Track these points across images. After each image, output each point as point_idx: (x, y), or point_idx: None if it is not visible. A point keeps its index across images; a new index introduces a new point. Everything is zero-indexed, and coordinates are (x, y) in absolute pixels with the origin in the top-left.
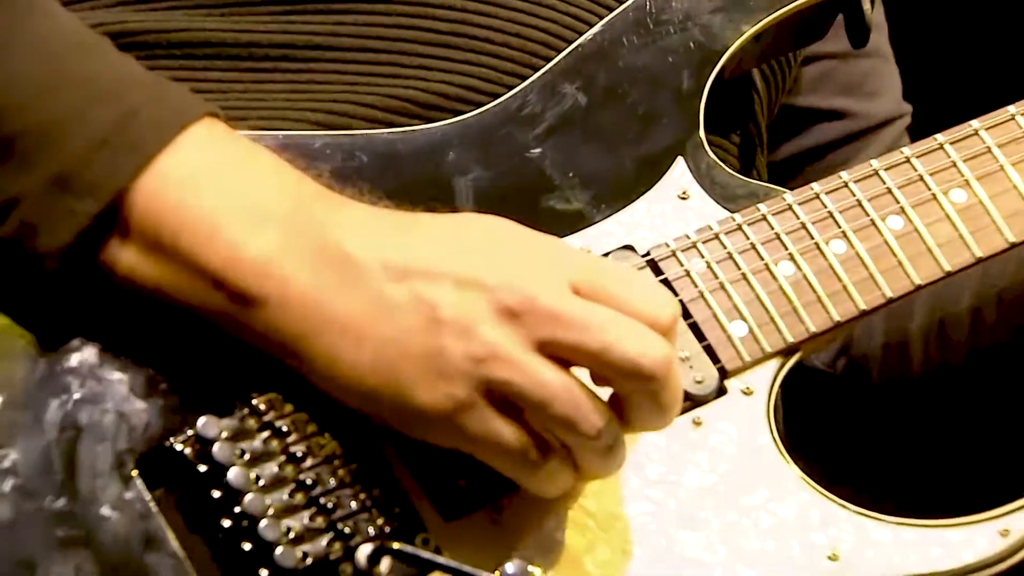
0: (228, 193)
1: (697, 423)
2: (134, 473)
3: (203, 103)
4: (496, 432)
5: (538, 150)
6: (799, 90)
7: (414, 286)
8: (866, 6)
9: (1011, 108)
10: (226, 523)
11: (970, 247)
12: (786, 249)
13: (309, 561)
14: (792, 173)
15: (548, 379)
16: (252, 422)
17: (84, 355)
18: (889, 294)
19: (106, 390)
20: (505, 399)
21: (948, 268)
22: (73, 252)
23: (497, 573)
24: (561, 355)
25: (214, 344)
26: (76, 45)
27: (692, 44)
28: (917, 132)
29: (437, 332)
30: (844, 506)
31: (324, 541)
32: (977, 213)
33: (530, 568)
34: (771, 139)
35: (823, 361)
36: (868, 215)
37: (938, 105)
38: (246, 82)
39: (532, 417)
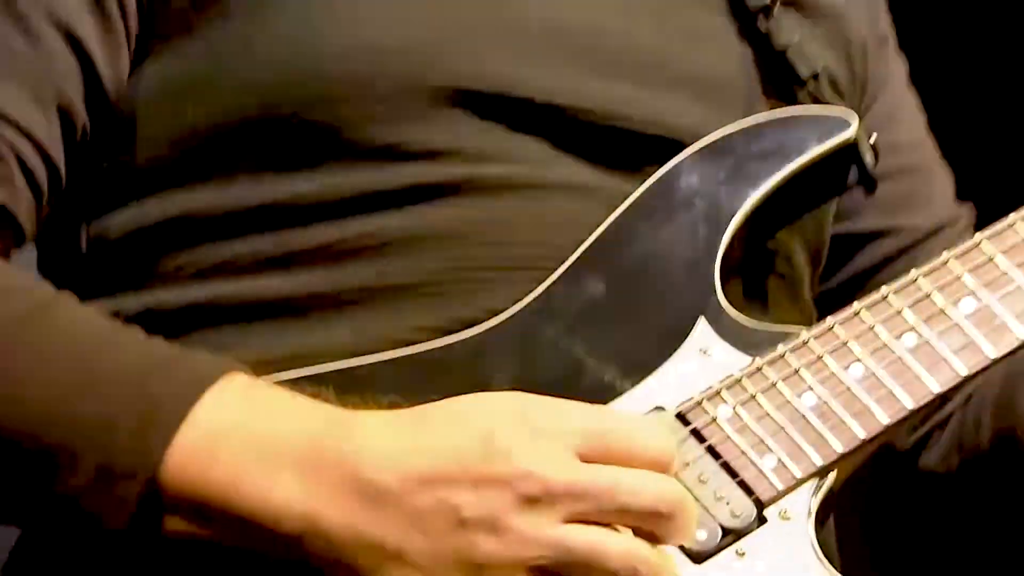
0: (245, 447)
1: (740, 554)
2: None
3: (219, 365)
4: None
5: (567, 339)
6: (843, 217)
7: (434, 493)
8: (867, 159)
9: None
10: None
11: (983, 349)
12: (805, 382)
13: None
14: (845, 300)
15: (579, 546)
16: None
17: None
18: (911, 405)
19: None
20: (546, 571)
21: (965, 373)
22: (133, 525)
23: None
24: (586, 521)
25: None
26: (99, 343)
27: (701, 218)
28: None
29: (465, 532)
30: None
31: None
32: (987, 316)
33: None
34: (824, 270)
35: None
36: (880, 337)
37: None
38: (314, 324)
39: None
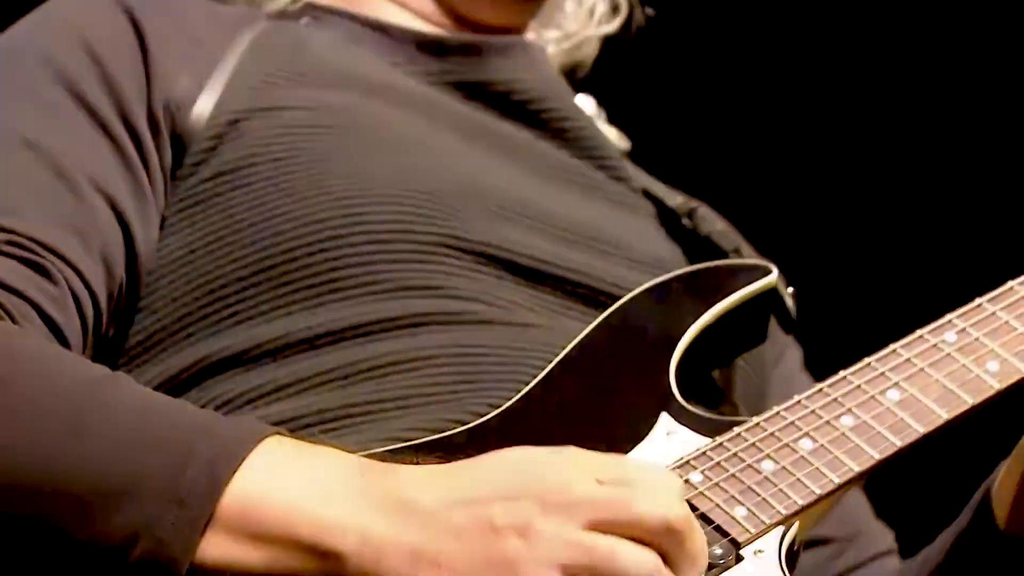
0: (301, 480)
1: None
2: None
3: (270, 427)
4: None
5: (548, 430)
6: None
7: (470, 510)
8: (788, 303)
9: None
10: None
11: (913, 426)
12: (763, 451)
13: None
14: None
15: (600, 546)
16: None
17: None
18: (856, 468)
19: None
20: (568, 574)
21: (899, 444)
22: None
23: None
24: (605, 531)
25: None
26: (161, 402)
27: (654, 340)
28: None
29: (498, 537)
30: None
31: None
32: (911, 402)
33: None
34: None
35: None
36: (823, 418)
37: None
38: (323, 438)
39: None
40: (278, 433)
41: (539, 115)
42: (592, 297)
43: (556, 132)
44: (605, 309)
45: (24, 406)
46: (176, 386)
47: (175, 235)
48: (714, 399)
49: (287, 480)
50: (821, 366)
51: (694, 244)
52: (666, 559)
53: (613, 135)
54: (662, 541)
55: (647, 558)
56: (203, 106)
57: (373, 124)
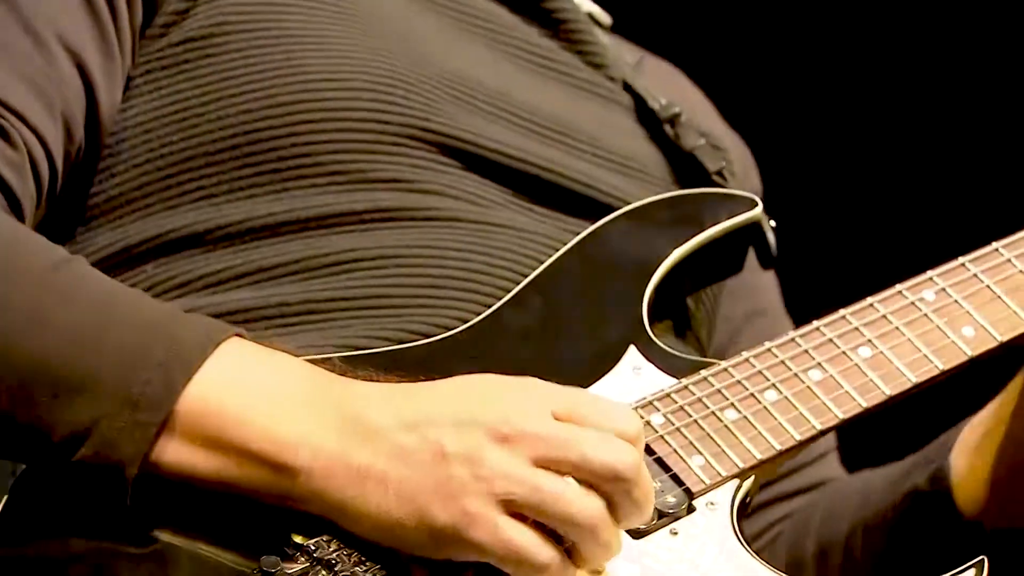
0: (257, 390)
1: (674, 533)
2: None
3: (231, 326)
4: (508, 538)
5: (514, 352)
6: None
7: (422, 432)
8: (769, 238)
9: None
10: None
11: (880, 387)
12: (727, 400)
13: None
14: None
15: (546, 485)
16: (303, 559)
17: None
18: (818, 426)
19: None
20: (512, 510)
21: (865, 405)
22: (146, 458)
23: None
24: (552, 469)
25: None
26: (119, 295)
27: (631, 267)
28: None
29: (446, 463)
30: None
31: None
32: (882, 362)
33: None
34: None
35: None
36: (791, 370)
37: None
38: (282, 334)
39: (538, 519)
40: (238, 335)
41: None
42: (562, 195)
43: (538, 14)
44: (573, 208)
45: None
46: (133, 257)
47: (140, 98)
48: (680, 325)
49: (243, 388)
50: (801, 302)
51: (675, 154)
52: (610, 505)
53: (596, 10)
54: (608, 487)
55: (592, 503)
56: None
57: (350, 2)
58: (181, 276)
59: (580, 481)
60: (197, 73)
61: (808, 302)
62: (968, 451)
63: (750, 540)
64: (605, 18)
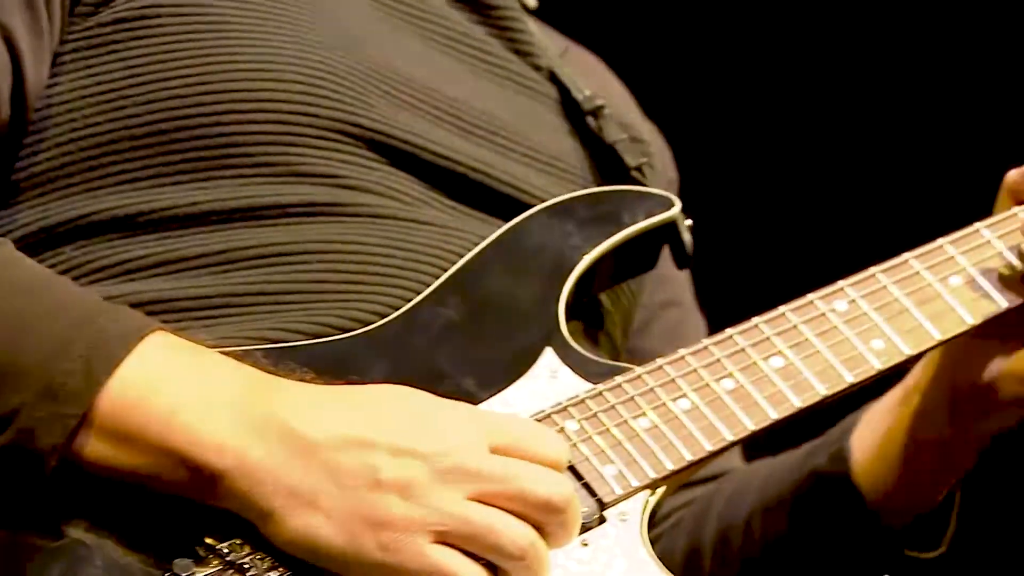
0: (182, 387)
1: (585, 544)
2: None
3: (154, 321)
4: (437, 565)
5: (428, 350)
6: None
7: (357, 455)
8: (685, 237)
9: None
10: None
11: (791, 398)
12: (640, 408)
13: None
14: None
15: (476, 518)
16: (216, 562)
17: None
18: (729, 437)
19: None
20: (441, 540)
21: (775, 416)
22: (64, 450)
23: None
24: (488, 503)
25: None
26: (45, 281)
27: (549, 265)
28: None
29: (380, 491)
30: None
31: None
32: (793, 372)
33: None
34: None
35: None
36: (704, 379)
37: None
38: (197, 327)
39: (469, 550)
40: (162, 329)
41: None
42: (487, 195)
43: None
44: (499, 207)
45: None
46: (53, 238)
47: (67, 75)
48: (593, 324)
49: (167, 385)
50: (713, 297)
51: (597, 147)
52: (541, 531)
53: None
54: (542, 517)
55: (523, 532)
56: None
57: None
58: (100, 260)
59: (516, 514)
60: (126, 55)
61: (721, 297)
62: (869, 431)
63: (651, 526)
64: (532, 1)
